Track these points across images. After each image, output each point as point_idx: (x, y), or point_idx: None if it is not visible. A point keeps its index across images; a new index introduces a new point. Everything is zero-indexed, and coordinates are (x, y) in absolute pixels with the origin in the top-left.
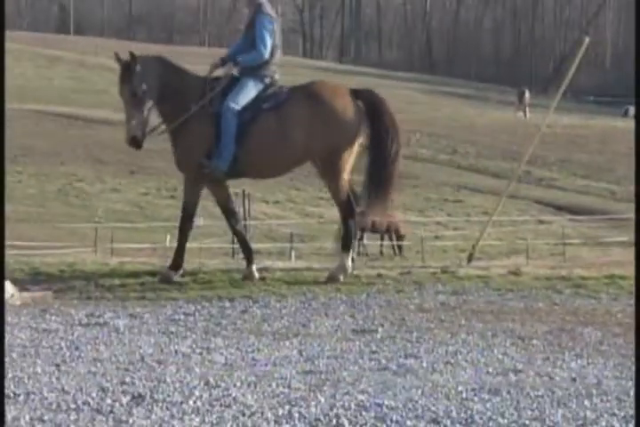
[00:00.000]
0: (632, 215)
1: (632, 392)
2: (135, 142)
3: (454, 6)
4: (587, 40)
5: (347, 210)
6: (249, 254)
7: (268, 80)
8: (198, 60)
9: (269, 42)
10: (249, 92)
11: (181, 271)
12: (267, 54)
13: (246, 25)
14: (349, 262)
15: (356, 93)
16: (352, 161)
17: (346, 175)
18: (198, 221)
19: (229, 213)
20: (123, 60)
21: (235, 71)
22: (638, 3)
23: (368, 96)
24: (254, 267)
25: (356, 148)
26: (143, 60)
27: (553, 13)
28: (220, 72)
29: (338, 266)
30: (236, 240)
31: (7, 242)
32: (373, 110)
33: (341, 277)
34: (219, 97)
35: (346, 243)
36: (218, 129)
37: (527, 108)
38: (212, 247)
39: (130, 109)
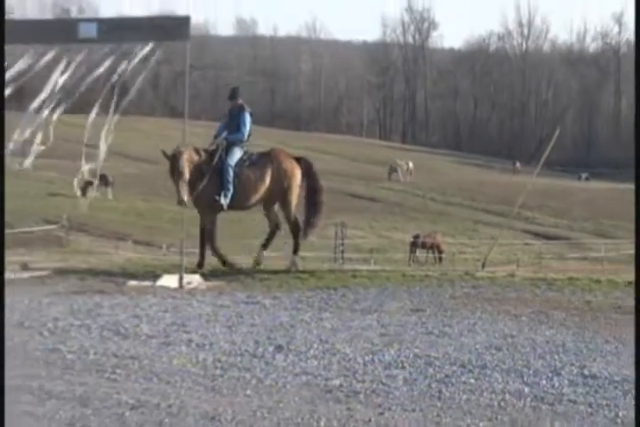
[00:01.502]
0: (584, 240)
1: (585, 350)
2: (182, 203)
3: (471, 109)
4: (557, 131)
5: (295, 228)
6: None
7: (245, 149)
8: None
9: (247, 129)
10: (236, 155)
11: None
12: (245, 136)
13: (230, 113)
14: (297, 260)
15: (297, 159)
16: (296, 198)
17: (293, 207)
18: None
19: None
20: (170, 154)
21: (224, 144)
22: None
23: (305, 161)
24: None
25: (297, 190)
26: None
27: (535, 112)
28: (213, 145)
29: (291, 263)
30: (339, 250)
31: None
32: (307, 169)
33: (293, 269)
34: (220, 160)
35: (296, 248)
36: (222, 178)
37: (518, 174)
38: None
39: (178, 183)
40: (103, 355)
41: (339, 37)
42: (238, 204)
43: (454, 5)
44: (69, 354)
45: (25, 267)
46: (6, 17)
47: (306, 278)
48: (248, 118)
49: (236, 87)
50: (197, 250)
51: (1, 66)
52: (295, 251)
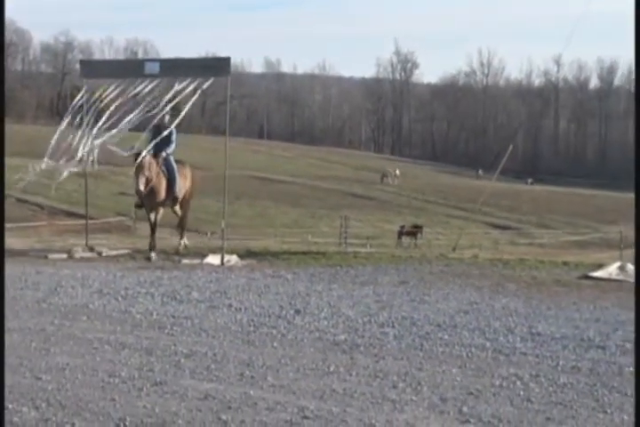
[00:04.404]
0: (532, 230)
1: (532, 314)
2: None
3: (445, 130)
4: (510, 147)
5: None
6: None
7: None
8: None
9: (175, 144)
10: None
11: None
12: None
13: (157, 128)
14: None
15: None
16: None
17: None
18: None
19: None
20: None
21: (164, 154)
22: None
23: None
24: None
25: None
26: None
27: (493, 132)
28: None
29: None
30: (343, 236)
31: (239, 236)
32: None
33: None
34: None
35: (182, 235)
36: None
37: (480, 179)
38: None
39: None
40: (163, 315)
41: (343, 74)
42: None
43: (432, 49)
44: (137, 315)
45: (92, 249)
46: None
47: (318, 258)
48: (175, 137)
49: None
50: (223, 236)
51: (1, 66)
52: (181, 237)
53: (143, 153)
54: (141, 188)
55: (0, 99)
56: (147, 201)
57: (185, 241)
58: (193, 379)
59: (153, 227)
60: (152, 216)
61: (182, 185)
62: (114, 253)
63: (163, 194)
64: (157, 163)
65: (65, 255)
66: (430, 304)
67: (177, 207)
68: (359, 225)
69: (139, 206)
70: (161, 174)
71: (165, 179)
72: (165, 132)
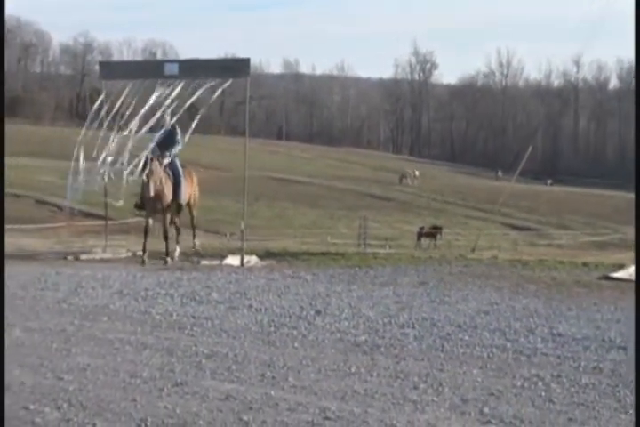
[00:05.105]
0: (551, 231)
1: (553, 315)
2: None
3: (463, 130)
4: (530, 147)
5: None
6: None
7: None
8: None
9: (181, 144)
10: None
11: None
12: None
13: (165, 128)
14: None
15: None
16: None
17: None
18: None
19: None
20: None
21: (168, 156)
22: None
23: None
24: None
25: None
26: None
27: (512, 133)
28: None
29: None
30: (362, 237)
31: (258, 237)
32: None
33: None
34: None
35: (177, 240)
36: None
37: (499, 180)
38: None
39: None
40: (183, 316)
41: (361, 75)
42: None
43: (450, 49)
44: (157, 315)
45: (115, 249)
46: None
47: (337, 259)
48: (181, 137)
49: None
50: (243, 237)
51: (1, 65)
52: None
53: (144, 156)
54: (151, 194)
55: (0, 99)
56: (151, 205)
57: (197, 242)
58: (214, 380)
59: (147, 232)
60: (150, 220)
61: (187, 190)
62: (137, 253)
63: (169, 198)
64: (162, 165)
65: (90, 256)
66: (450, 305)
67: (180, 213)
68: (378, 226)
69: (138, 207)
70: (167, 178)
71: (171, 183)
72: (160, 133)
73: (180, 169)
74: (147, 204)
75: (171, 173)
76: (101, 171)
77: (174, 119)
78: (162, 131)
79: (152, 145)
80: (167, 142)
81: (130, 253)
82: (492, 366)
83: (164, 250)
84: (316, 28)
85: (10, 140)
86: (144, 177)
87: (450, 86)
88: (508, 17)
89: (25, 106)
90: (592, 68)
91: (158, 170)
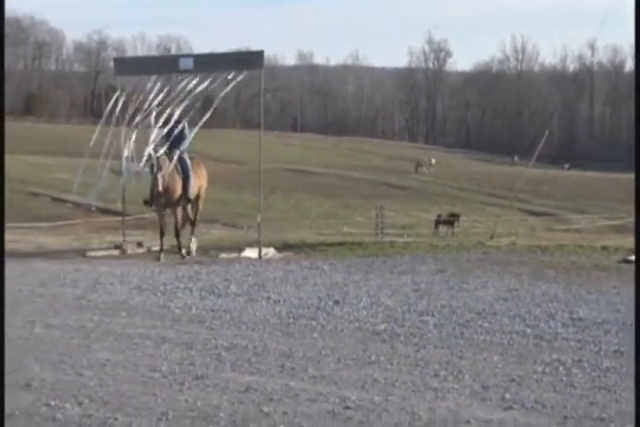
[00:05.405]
0: (568, 216)
1: (572, 299)
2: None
3: (479, 117)
4: (546, 132)
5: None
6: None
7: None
8: None
9: (189, 140)
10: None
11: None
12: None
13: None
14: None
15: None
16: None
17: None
18: None
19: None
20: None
21: (177, 152)
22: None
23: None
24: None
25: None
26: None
27: (528, 118)
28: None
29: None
30: (379, 226)
31: (274, 229)
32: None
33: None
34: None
35: (193, 232)
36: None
37: (516, 166)
38: (364, 232)
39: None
40: (203, 309)
41: (375, 64)
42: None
43: (464, 37)
44: (177, 309)
45: (140, 245)
46: None
47: (354, 249)
48: (189, 133)
49: None
50: (260, 229)
51: (1, 65)
52: (193, 236)
53: (148, 151)
54: (160, 189)
55: (0, 99)
56: (161, 200)
57: (194, 244)
58: (234, 372)
59: (162, 228)
60: (162, 217)
61: (196, 184)
62: (156, 248)
63: (178, 193)
64: (171, 160)
65: (115, 252)
66: (469, 292)
67: (189, 207)
68: (394, 215)
69: (147, 203)
70: (176, 173)
71: (180, 178)
72: (170, 129)
73: (189, 163)
74: (156, 199)
75: (180, 169)
76: (124, 168)
77: (188, 115)
78: (171, 126)
79: (162, 140)
80: (177, 138)
81: (145, 249)
82: (513, 352)
83: (178, 245)
84: (328, 17)
85: (25, 138)
86: (154, 172)
87: (464, 73)
88: (522, 2)
89: (40, 104)
90: (607, 52)
91: (167, 165)
